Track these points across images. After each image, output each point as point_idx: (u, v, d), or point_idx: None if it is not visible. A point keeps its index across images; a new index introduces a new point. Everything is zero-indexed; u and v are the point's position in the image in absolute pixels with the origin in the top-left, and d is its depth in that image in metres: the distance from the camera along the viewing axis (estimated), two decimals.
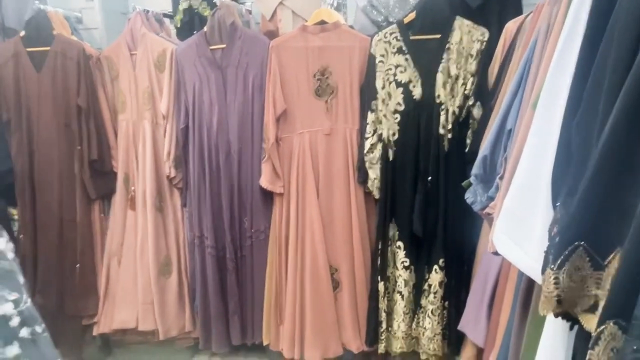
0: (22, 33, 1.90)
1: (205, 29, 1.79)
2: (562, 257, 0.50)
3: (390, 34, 1.61)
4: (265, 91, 1.72)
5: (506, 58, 1.40)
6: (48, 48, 1.88)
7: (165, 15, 2.10)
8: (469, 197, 1.27)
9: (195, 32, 2.02)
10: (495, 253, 0.92)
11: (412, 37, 1.60)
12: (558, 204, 0.64)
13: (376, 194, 1.72)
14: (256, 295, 1.87)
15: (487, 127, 1.31)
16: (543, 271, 0.61)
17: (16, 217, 2.08)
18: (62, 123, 1.90)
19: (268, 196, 1.83)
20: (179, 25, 2.09)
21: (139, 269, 1.95)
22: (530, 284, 0.98)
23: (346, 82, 1.71)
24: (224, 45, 1.77)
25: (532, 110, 0.84)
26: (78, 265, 1.98)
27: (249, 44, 1.75)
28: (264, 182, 1.75)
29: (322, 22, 1.69)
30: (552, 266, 0.51)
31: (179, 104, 1.86)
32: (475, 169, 1.21)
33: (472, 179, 1.25)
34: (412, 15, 1.60)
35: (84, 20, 2.21)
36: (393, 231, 1.71)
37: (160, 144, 1.93)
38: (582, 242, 0.48)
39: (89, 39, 2.17)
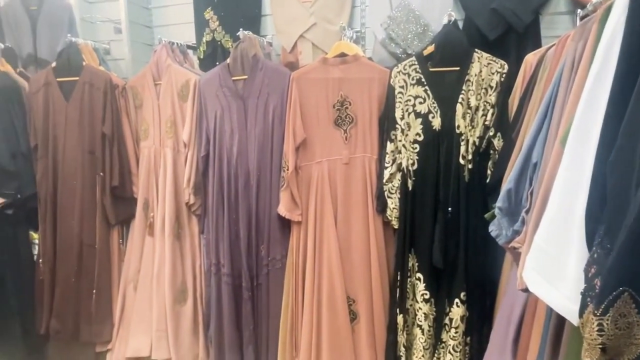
0: (54, 64, 1.98)
1: (228, 60, 1.85)
2: (605, 302, 0.48)
3: (410, 65, 1.64)
4: (285, 121, 1.75)
5: (527, 90, 1.40)
6: (77, 78, 1.96)
7: (189, 46, 2.17)
8: (493, 229, 1.24)
9: (217, 63, 2.09)
10: (525, 290, 0.89)
11: (431, 69, 1.62)
12: (595, 243, 0.62)
13: (395, 224, 1.70)
14: (271, 325, 1.84)
15: (510, 159, 1.30)
16: (581, 314, 0.59)
17: (37, 241, 2.12)
18: (87, 150, 1.95)
19: (285, 224, 1.83)
20: (202, 57, 2.16)
21: (154, 295, 1.94)
22: (560, 320, 0.95)
23: (365, 112, 1.73)
24: (245, 76, 1.82)
25: (560, 145, 0.84)
26: (95, 291, 1.98)
27: (270, 75, 1.79)
28: (282, 210, 1.76)
29: (342, 55, 1.73)
30: (595, 312, 0.49)
31: (200, 132, 1.90)
32: (500, 201, 1.19)
33: (496, 211, 1.23)
34: (431, 48, 1.63)
35: (111, 51, 2.30)
36: (412, 262, 1.68)
37: (180, 171, 1.96)
38: (628, 288, 0.47)
39: (116, 69, 2.26)
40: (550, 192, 0.80)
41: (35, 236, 2.12)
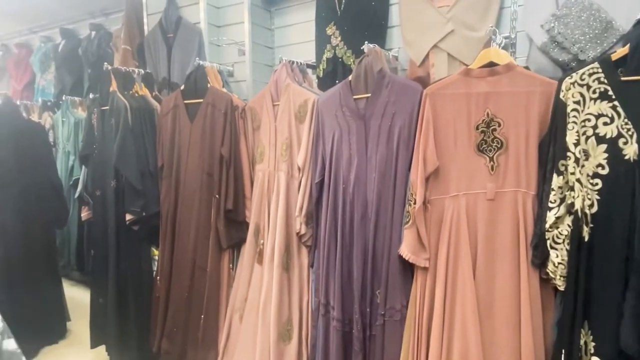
0: (182, 87, 2.04)
1: (350, 77, 1.66)
2: None
3: (589, 74, 1.22)
4: (415, 145, 1.47)
5: None
6: (201, 100, 1.97)
7: (308, 65, 2.06)
8: None
9: (337, 81, 1.92)
10: None
11: (623, 79, 1.19)
12: None
13: (559, 284, 1.27)
14: None
15: None
16: None
17: (157, 257, 2.17)
18: (205, 171, 1.94)
19: (408, 268, 1.53)
20: (321, 75, 2.03)
21: (259, 329, 1.80)
22: None
23: (520, 136, 1.35)
24: (368, 95, 1.60)
25: None
26: (203, 315, 1.92)
27: (397, 92, 1.54)
28: (405, 251, 1.46)
29: (491, 64, 1.40)
30: None
31: (316, 156, 1.73)
32: None
33: None
34: (625, 50, 1.20)
35: (234, 73, 2.32)
36: (585, 340, 1.22)
37: (293, 198, 1.81)
38: None
39: (238, 90, 2.26)
40: None
41: (155, 252, 2.19)
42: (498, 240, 1.37)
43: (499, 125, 1.38)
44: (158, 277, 2.08)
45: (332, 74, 1.97)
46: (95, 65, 3.33)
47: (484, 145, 1.40)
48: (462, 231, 1.40)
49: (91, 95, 2.59)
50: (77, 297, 3.25)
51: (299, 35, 2.28)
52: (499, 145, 1.39)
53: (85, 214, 2.51)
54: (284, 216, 1.80)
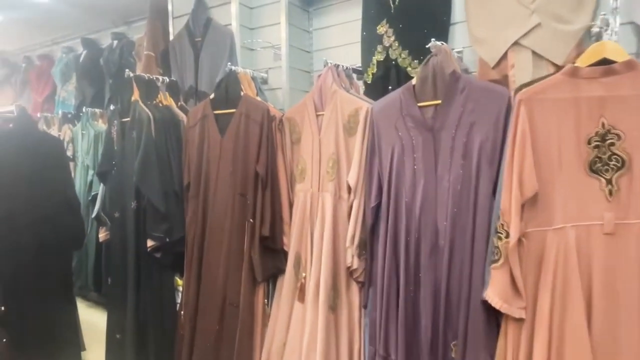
0: (212, 95, 1.80)
1: (413, 81, 1.38)
2: None
3: None
4: (504, 162, 1.17)
5: None
6: (234, 110, 1.73)
7: (354, 70, 1.80)
8: None
9: (390, 88, 1.66)
10: None
11: None
12: None
13: None
14: None
15: None
16: None
17: (181, 288, 1.92)
18: (238, 192, 1.68)
19: (492, 316, 1.22)
20: (369, 81, 1.76)
21: None
22: None
23: None
24: (438, 102, 1.32)
25: None
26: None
27: (476, 98, 1.26)
28: (494, 297, 1.15)
29: (605, 62, 1.10)
30: None
31: (370, 175, 1.45)
32: None
33: None
34: None
35: (269, 80, 2.07)
36: None
37: (341, 224, 1.53)
38: None
39: (273, 99, 2.01)
40: None
41: (179, 282, 1.93)
42: (620, 285, 1.06)
43: (619, 139, 1.08)
44: (182, 312, 1.82)
45: (384, 78, 1.70)
46: (117, 76, 3.17)
47: (599, 164, 1.10)
48: (571, 273, 1.09)
49: (112, 107, 2.40)
50: (94, 322, 3.02)
51: (340, 37, 2.03)
52: (618, 164, 1.08)
53: (103, 235, 2.30)
54: (331, 246, 1.52)
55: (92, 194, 2.92)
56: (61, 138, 3.18)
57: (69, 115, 3.39)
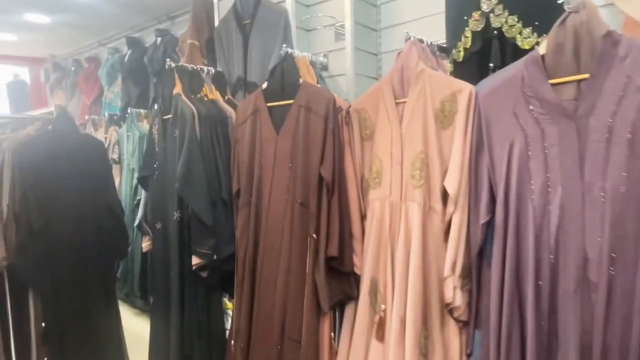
0: (265, 85, 1.51)
1: (540, 50, 1.00)
2: None
3: None
4: None
5: None
6: (291, 101, 1.42)
7: (439, 47, 1.44)
8: None
9: (492, 65, 1.28)
10: None
11: None
12: None
13: None
14: None
15: None
16: None
17: (230, 311, 1.65)
18: (298, 200, 1.37)
19: None
20: (460, 59, 1.38)
21: None
22: None
23: None
24: (584, 76, 0.93)
25: None
26: None
27: None
28: None
29: None
30: None
31: (477, 181, 1.08)
32: None
33: None
34: None
35: (329, 65, 1.75)
36: None
37: (434, 244, 1.17)
38: None
39: (335, 88, 1.68)
40: None
41: (229, 306, 1.66)
42: None
43: None
44: (233, 341, 1.54)
45: (482, 55, 1.32)
46: (161, 74, 3.00)
47: None
48: None
49: (155, 106, 2.21)
50: (140, 331, 2.87)
51: (415, 9, 1.67)
52: None
53: (146, 245, 2.09)
54: (420, 271, 1.16)
55: (137, 198, 2.77)
56: (107, 140, 3.08)
57: (115, 117, 3.30)
